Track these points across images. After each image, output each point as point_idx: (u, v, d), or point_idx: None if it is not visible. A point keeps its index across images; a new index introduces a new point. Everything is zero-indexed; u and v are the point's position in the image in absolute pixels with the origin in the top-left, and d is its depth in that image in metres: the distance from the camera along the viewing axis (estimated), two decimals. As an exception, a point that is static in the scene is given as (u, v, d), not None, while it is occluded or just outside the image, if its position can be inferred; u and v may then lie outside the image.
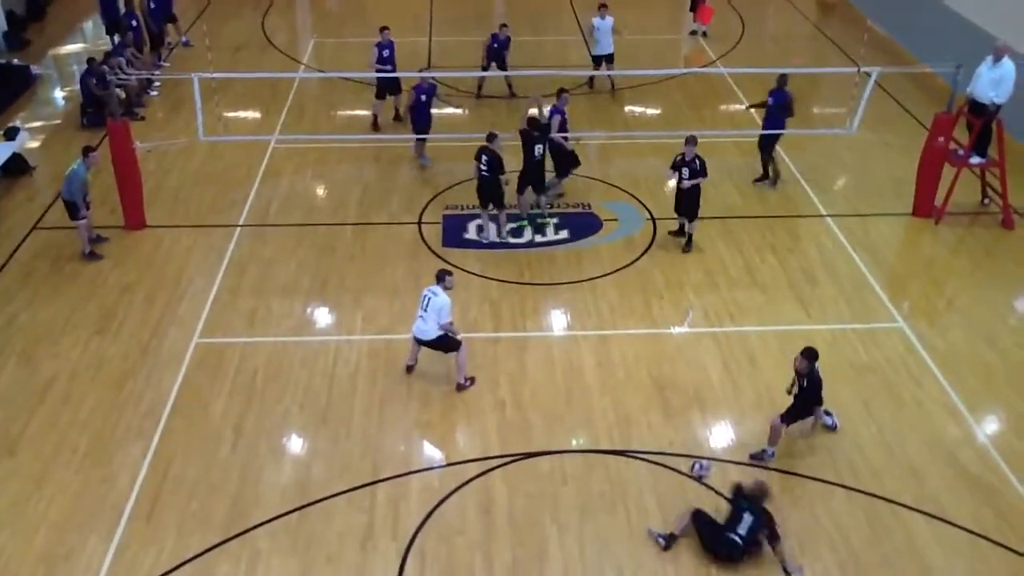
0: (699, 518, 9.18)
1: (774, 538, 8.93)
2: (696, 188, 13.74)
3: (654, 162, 16.75)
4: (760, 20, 25.24)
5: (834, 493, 9.86)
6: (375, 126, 17.71)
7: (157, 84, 19.36)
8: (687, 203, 13.88)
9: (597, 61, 19.73)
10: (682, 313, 12.75)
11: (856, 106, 15.06)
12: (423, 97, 16.10)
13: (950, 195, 14.82)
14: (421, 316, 11.05)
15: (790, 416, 10.13)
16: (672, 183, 14.27)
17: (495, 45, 19.01)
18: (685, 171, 13.62)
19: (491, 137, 13.85)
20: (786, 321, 12.57)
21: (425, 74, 16.75)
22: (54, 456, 10.21)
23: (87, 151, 13.74)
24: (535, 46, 22.65)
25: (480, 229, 14.50)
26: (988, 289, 13.40)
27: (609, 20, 19.19)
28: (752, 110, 17.31)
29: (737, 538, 8.92)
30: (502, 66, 19.03)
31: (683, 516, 9.24)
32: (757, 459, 10.16)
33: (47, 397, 11.05)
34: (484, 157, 13.77)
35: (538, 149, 14.27)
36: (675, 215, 14.27)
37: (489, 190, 13.98)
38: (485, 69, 19.04)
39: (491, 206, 14.16)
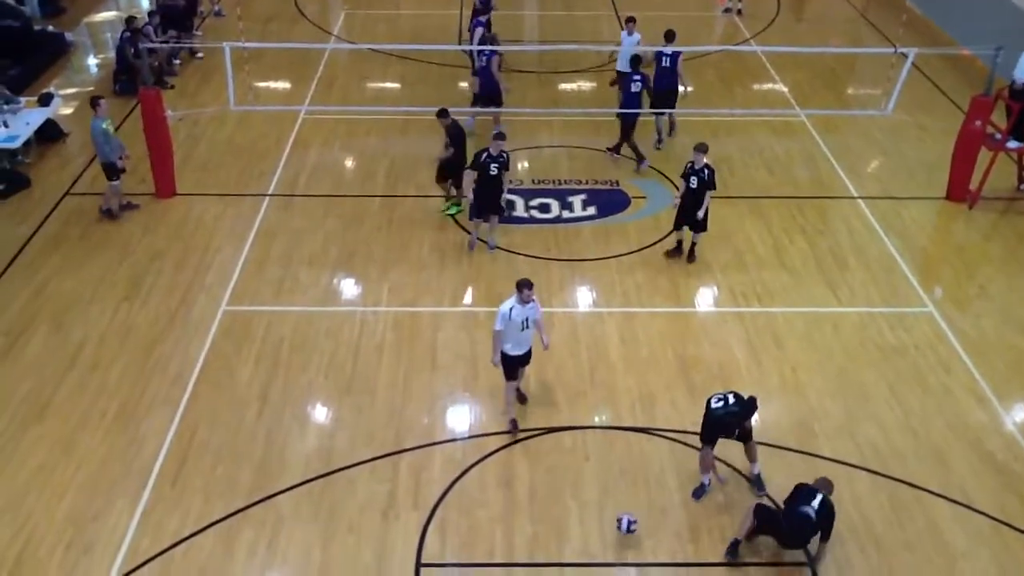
0: (762, 510, 8.80)
1: (827, 534, 8.65)
2: (703, 198, 12.63)
3: (684, 140, 16.61)
4: (796, -2, 24.88)
5: (858, 477, 9.81)
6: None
7: (200, 55, 19.31)
8: (694, 215, 12.72)
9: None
10: (711, 295, 12.68)
11: (892, 87, 14.82)
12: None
13: (985, 180, 14.59)
14: (525, 334, 9.96)
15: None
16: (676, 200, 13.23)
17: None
18: (694, 180, 12.61)
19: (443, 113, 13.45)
20: (814, 303, 12.47)
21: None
22: (83, 421, 10.35)
23: (94, 102, 13.62)
24: (566, 21, 22.51)
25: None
26: (1021, 277, 13.20)
27: (636, 36, 16.76)
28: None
29: (811, 511, 8.46)
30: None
31: (745, 517, 8.82)
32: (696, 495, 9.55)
33: (76, 363, 11.19)
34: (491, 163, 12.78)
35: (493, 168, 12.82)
36: (675, 229, 13.17)
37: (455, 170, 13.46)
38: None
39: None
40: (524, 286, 9.72)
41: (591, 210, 14.53)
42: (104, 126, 13.54)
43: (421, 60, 19.48)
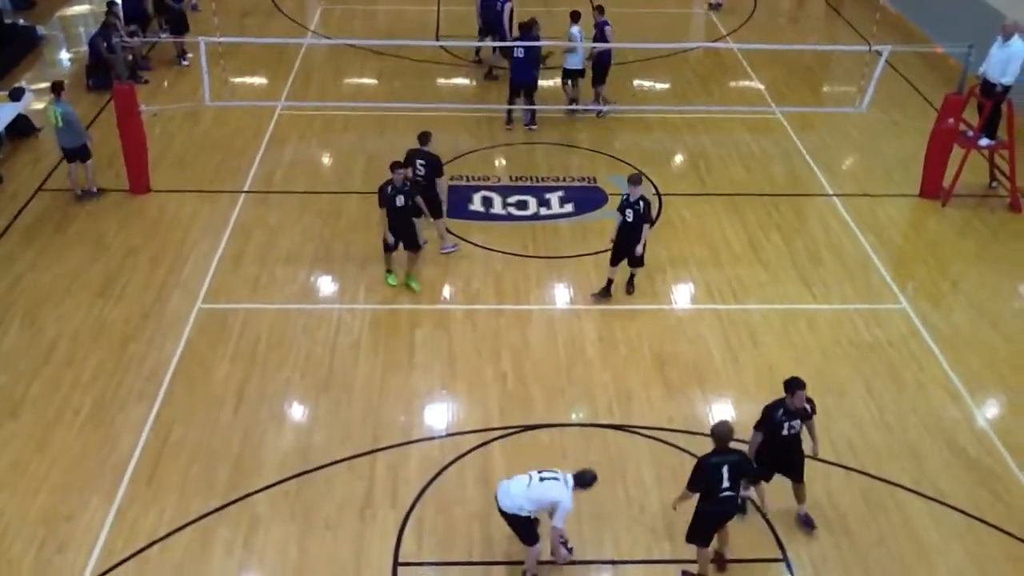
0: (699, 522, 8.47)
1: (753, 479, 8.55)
2: (640, 232, 11.81)
3: (661, 137, 16.72)
4: (772, -4, 24.99)
5: (832, 472, 9.89)
6: None
7: (189, 56, 18.98)
8: (629, 249, 11.95)
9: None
10: (688, 292, 12.74)
11: (866, 85, 14.94)
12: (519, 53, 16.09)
13: (958, 177, 14.74)
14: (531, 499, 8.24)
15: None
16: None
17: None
18: (629, 213, 11.72)
19: (425, 138, 12.65)
20: (789, 300, 12.56)
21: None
22: (56, 418, 10.25)
23: (56, 89, 13.84)
24: (543, 16, 22.45)
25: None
26: (993, 272, 13.36)
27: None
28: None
29: (731, 494, 8.22)
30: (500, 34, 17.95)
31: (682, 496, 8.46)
32: None
33: (50, 359, 11.08)
34: (419, 161, 12.53)
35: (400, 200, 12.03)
36: (611, 265, 12.20)
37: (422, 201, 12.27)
38: (482, 35, 18.69)
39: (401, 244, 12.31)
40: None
41: (569, 207, 14.54)
42: (67, 109, 13.76)
43: (399, 56, 19.41)
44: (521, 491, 8.13)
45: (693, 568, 8.69)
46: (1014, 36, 14.11)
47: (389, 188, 12.00)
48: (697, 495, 8.28)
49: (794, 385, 8.65)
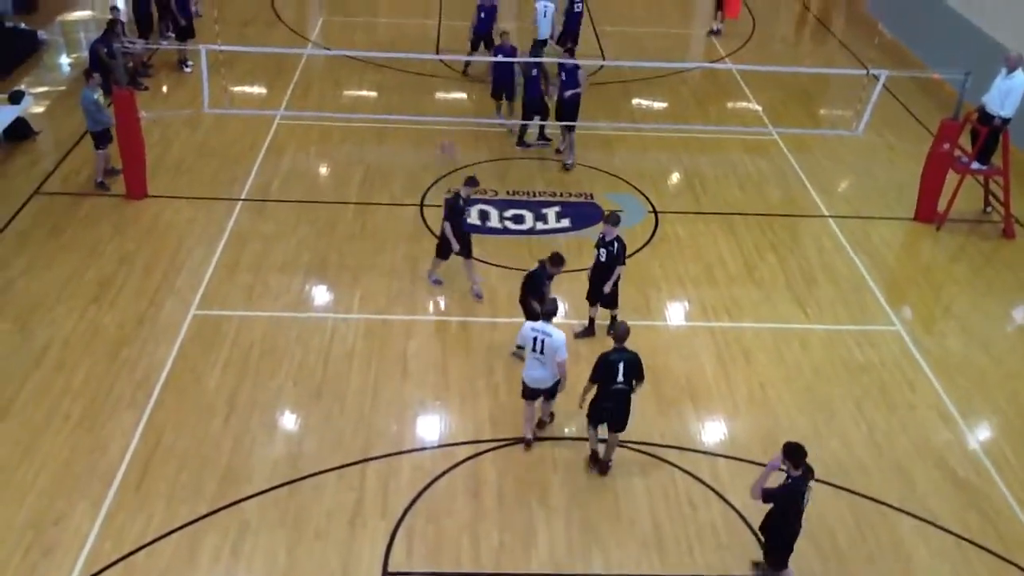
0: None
1: (641, 377, 9.57)
2: (610, 273, 11.52)
3: (659, 155, 16.80)
4: (771, 19, 25.18)
5: (822, 491, 9.87)
6: None
7: (191, 63, 19.03)
8: (600, 290, 11.70)
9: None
10: (682, 309, 12.77)
11: (863, 108, 15.05)
12: (534, 71, 16.13)
13: (953, 202, 14.83)
14: (537, 359, 9.79)
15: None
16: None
17: (481, 15, 18.90)
18: (602, 253, 11.49)
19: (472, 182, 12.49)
20: (783, 319, 12.59)
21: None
22: (46, 423, 10.20)
23: (87, 73, 14.39)
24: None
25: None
26: (986, 297, 13.42)
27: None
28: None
29: (623, 385, 9.43)
30: (488, 42, 18.96)
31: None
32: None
33: (41, 364, 11.04)
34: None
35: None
36: (590, 305, 11.99)
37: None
38: (474, 47, 19.06)
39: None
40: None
41: (565, 222, 14.59)
42: (95, 96, 14.06)
43: (398, 69, 19.50)
44: (543, 370, 9.79)
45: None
46: (1017, 69, 14.20)
47: (461, 201, 12.24)
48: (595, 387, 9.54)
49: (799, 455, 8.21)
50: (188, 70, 18.86)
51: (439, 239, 12.52)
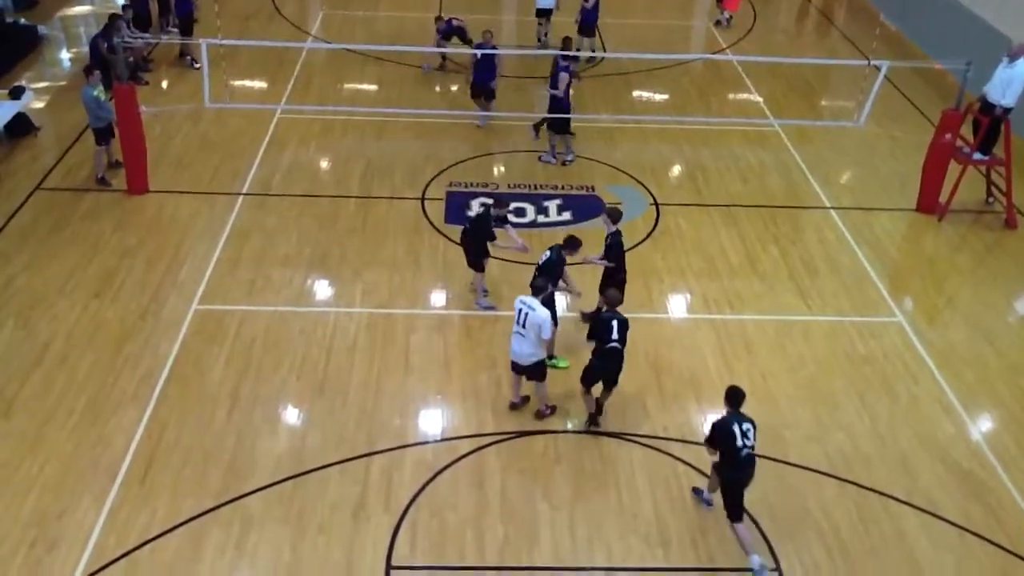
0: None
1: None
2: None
3: (660, 147, 16.78)
4: (772, 10, 25.12)
5: (825, 483, 9.90)
6: None
7: (198, 66, 18.79)
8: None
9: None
10: (684, 301, 12.76)
11: (865, 99, 15.02)
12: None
13: (955, 192, 14.80)
14: (518, 333, 9.92)
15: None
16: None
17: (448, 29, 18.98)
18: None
19: (502, 203, 12.24)
20: (785, 311, 12.58)
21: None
22: (49, 418, 10.22)
23: (88, 70, 14.37)
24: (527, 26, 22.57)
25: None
26: (988, 288, 13.40)
27: None
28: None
29: (617, 344, 9.90)
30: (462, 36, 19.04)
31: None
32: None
33: (44, 359, 11.04)
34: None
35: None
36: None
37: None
38: (445, 38, 19.12)
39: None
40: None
41: (566, 215, 14.58)
42: (95, 93, 14.08)
43: (399, 62, 19.47)
44: (525, 344, 9.89)
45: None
46: (1020, 59, 14.16)
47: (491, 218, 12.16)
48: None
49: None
50: (197, 66, 18.67)
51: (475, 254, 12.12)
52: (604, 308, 10.25)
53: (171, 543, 8.84)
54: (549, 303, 10.40)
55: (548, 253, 11.01)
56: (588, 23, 19.75)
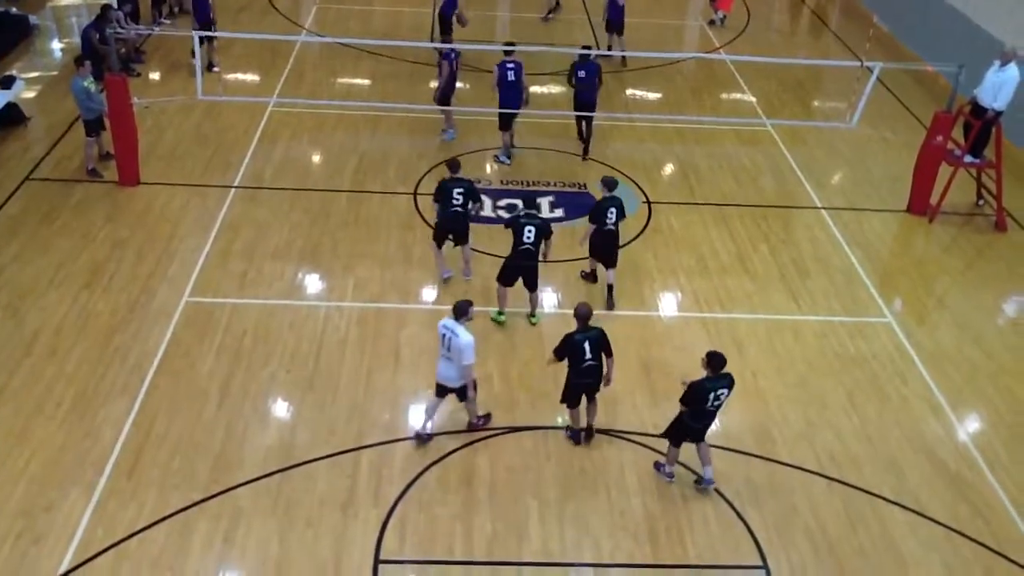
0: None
1: (609, 353, 9.82)
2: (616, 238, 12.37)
3: (653, 146, 16.80)
4: (766, 10, 25.16)
5: (814, 482, 9.93)
6: None
7: (216, 69, 18.49)
8: (609, 249, 12.39)
9: None
10: (675, 300, 12.78)
11: (857, 101, 15.06)
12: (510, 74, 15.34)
13: (945, 194, 14.86)
14: (446, 357, 9.65)
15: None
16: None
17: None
18: (612, 213, 12.13)
19: (455, 166, 12.37)
20: (775, 310, 12.62)
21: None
22: (37, 409, 10.17)
23: (79, 61, 14.29)
24: (538, 23, 22.57)
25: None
26: (978, 289, 13.46)
27: None
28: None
29: (592, 362, 9.69)
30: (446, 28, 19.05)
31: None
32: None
33: (33, 351, 10.99)
34: (456, 190, 12.11)
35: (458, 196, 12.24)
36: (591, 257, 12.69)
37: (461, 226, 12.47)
38: (442, 31, 19.14)
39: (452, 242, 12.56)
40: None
41: (559, 212, 14.58)
42: (85, 84, 14.00)
43: (393, 57, 19.43)
44: (451, 368, 9.57)
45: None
46: (1011, 63, 14.23)
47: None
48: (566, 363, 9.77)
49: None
50: (216, 70, 18.31)
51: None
52: (575, 330, 9.74)
53: (159, 535, 8.82)
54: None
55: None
56: (617, 21, 19.76)
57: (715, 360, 9.17)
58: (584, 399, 10.03)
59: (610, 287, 12.31)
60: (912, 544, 9.29)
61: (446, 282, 12.55)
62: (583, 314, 9.74)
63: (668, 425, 9.65)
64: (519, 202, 14.63)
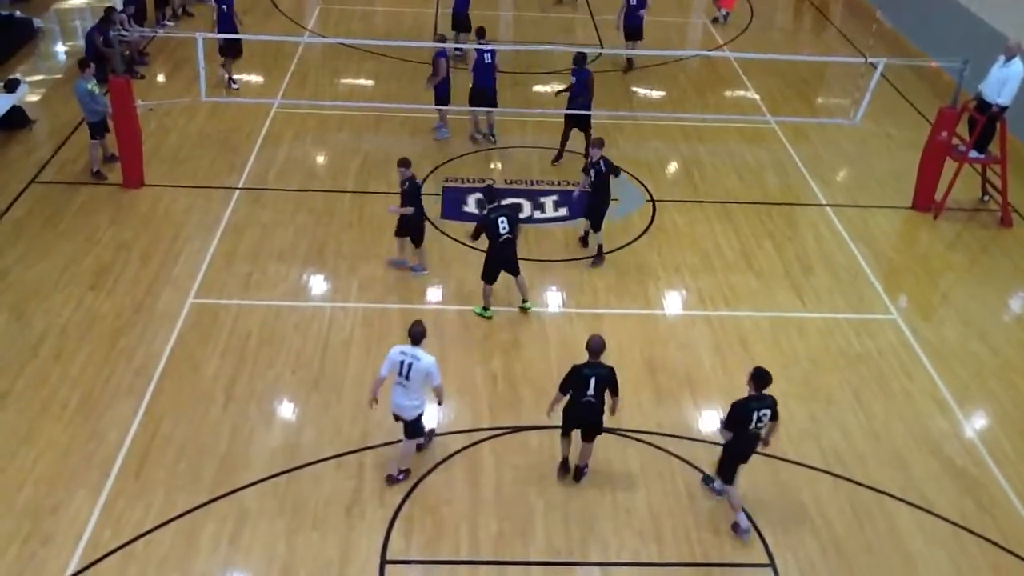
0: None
1: (615, 392, 9.28)
2: (605, 193, 12.88)
3: (656, 144, 16.78)
4: (769, 7, 25.12)
5: (820, 480, 9.92)
6: None
7: (236, 87, 18.20)
8: (592, 210, 13.02)
9: None
10: (680, 298, 12.77)
11: (861, 97, 15.03)
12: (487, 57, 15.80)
13: (950, 190, 14.83)
14: (400, 384, 9.09)
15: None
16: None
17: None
18: (592, 173, 12.75)
19: (491, 194, 11.84)
20: (780, 308, 12.60)
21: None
22: (43, 411, 10.19)
23: (83, 63, 14.24)
24: (541, 21, 22.57)
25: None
26: (983, 286, 13.43)
27: None
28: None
29: (592, 399, 9.19)
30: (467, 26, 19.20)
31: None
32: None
33: (39, 353, 11.02)
34: (501, 219, 11.56)
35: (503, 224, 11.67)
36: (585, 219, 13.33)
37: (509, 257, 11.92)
38: (456, 29, 19.19)
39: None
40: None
41: (563, 211, 14.57)
42: (89, 87, 13.96)
43: (395, 57, 19.44)
44: (408, 396, 9.11)
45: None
46: (1015, 58, 14.18)
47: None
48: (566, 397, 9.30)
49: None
50: (236, 87, 18.08)
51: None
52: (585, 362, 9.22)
53: (166, 537, 8.84)
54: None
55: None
56: (637, 28, 19.47)
57: (761, 378, 8.71)
58: (579, 437, 9.51)
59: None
60: (919, 541, 9.27)
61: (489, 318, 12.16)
62: (595, 348, 9.10)
63: (718, 463, 9.21)
64: (523, 201, 14.68)
